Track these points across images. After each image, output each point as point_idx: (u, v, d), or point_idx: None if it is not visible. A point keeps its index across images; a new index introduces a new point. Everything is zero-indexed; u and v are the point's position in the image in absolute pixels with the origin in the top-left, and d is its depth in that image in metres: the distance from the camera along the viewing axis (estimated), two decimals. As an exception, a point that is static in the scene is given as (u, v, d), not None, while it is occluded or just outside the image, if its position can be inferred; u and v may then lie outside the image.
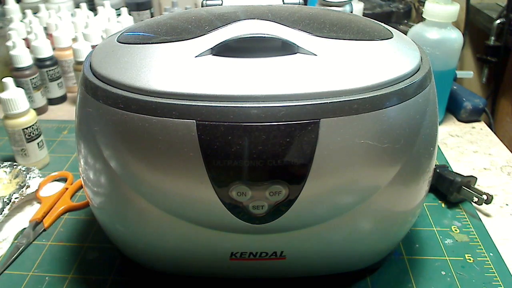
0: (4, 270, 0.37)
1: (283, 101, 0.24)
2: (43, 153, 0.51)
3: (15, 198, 0.43)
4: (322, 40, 0.27)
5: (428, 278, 0.36)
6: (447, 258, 0.38)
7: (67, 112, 0.66)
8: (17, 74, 0.61)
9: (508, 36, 0.72)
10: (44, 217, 0.43)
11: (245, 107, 0.24)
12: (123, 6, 0.78)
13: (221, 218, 0.27)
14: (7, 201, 0.42)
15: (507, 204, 0.45)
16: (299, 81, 0.25)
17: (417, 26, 0.54)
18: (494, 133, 0.58)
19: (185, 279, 0.35)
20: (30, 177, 0.46)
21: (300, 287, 0.35)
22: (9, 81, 0.48)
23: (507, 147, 0.55)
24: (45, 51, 0.64)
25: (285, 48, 0.26)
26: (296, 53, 0.26)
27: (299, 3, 0.37)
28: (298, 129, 0.24)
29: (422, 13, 0.53)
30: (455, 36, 0.52)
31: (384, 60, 0.27)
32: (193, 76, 0.25)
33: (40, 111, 0.64)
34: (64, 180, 0.49)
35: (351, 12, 0.59)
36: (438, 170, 0.45)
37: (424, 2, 0.53)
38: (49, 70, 0.65)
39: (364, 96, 0.24)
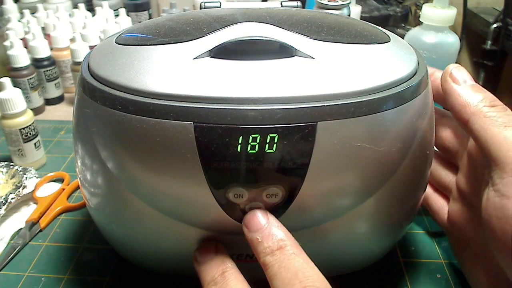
0: (0, 270, 0.37)
1: (281, 103, 0.24)
2: (40, 154, 0.51)
3: (12, 199, 0.43)
4: (319, 43, 0.27)
5: (424, 281, 0.36)
6: (443, 261, 0.38)
7: (64, 112, 0.66)
8: (15, 74, 0.60)
9: (505, 40, 0.72)
10: (40, 217, 0.43)
11: (243, 109, 0.24)
12: (121, 7, 0.78)
13: (218, 219, 0.27)
14: (3, 202, 0.42)
15: (502, 208, 0.45)
16: (297, 84, 0.25)
17: (414, 30, 0.54)
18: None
19: (181, 281, 0.35)
20: (26, 177, 0.46)
21: (296, 289, 0.35)
22: (6, 81, 0.48)
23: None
24: (43, 51, 0.64)
25: (283, 51, 0.27)
26: (293, 56, 0.26)
27: (297, 6, 0.37)
28: (295, 132, 0.24)
29: (419, 16, 0.54)
30: (452, 40, 0.53)
31: (381, 64, 0.27)
32: (191, 78, 0.25)
33: (37, 111, 0.64)
34: (60, 180, 0.49)
35: (349, 15, 0.59)
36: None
37: (421, 6, 0.54)
38: (47, 70, 0.65)
39: (361, 100, 0.25)
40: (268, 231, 0.25)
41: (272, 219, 0.26)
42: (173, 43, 0.28)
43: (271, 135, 0.24)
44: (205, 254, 0.28)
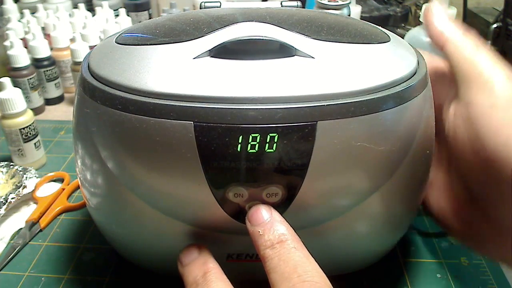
0: (0, 270, 0.37)
1: (281, 103, 0.24)
2: (40, 153, 0.51)
3: (12, 198, 0.43)
4: (319, 43, 0.27)
5: (424, 280, 0.36)
6: (443, 261, 0.38)
7: (64, 112, 0.66)
8: (15, 74, 0.60)
9: (505, 40, 0.72)
10: (40, 217, 0.43)
11: (243, 108, 0.24)
12: (121, 7, 0.78)
13: (218, 219, 0.27)
14: (3, 201, 0.42)
15: (502, 208, 0.45)
16: (297, 84, 0.25)
17: (414, 30, 0.54)
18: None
19: (181, 281, 0.35)
20: (26, 177, 0.46)
21: (296, 289, 0.35)
22: (6, 81, 0.48)
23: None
24: (43, 51, 0.64)
25: (283, 50, 0.27)
26: (293, 56, 0.26)
27: (297, 6, 0.37)
28: (295, 131, 0.24)
29: (419, 16, 0.54)
30: (452, 40, 0.53)
31: (381, 63, 0.27)
32: (191, 77, 0.25)
33: (37, 111, 0.64)
34: (60, 180, 0.49)
35: (349, 15, 0.59)
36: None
37: (421, 6, 0.54)
38: (47, 70, 0.65)
39: (361, 99, 0.25)
40: (270, 225, 0.25)
41: (276, 214, 0.26)
42: (173, 42, 0.28)
43: (271, 134, 0.24)
44: (188, 256, 0.27)
